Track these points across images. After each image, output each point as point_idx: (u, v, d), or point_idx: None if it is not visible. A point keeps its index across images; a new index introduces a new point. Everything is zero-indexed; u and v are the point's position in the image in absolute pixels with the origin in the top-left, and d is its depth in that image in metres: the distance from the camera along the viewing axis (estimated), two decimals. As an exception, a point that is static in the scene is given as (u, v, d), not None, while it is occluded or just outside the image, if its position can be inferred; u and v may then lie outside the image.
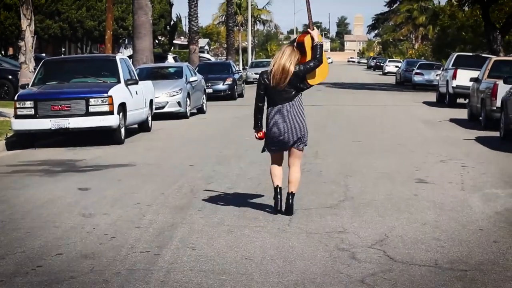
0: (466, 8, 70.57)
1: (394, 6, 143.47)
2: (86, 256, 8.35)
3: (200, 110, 30.28)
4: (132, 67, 22.06)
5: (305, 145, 10.24)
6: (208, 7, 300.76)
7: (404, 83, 56.71)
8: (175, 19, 62.65)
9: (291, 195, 10.19)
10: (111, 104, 18.78)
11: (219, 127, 24.18)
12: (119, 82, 20.05)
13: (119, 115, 19.11)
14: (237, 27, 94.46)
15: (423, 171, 14.21)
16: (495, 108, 21.80)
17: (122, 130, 19.45)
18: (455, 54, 35.90)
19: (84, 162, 16.23)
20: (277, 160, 10.32)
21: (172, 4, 61.14)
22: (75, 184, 13.20)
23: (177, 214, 10.52)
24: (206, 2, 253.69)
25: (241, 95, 41.28)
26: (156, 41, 60.52)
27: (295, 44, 10.17)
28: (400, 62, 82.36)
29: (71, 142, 19.62)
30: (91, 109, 18.66)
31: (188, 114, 27.81)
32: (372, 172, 14.09)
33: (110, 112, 18.77)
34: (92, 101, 18.69)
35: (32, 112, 18.55)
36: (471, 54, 38.34)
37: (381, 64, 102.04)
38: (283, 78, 9.89)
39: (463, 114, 27.46)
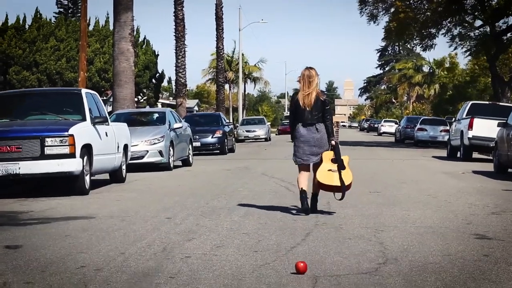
0: (468, 62, 67.91)
1: (387, 69, 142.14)
2: None
3: (186, 162, 26.48)
4: (102, 104, 18.36)
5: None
6: (198, 67, 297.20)
7: (404, 141, 53.19)
8: (160, 71, 58.81)
9: (314, 195, 11.76)
10: (72, 145, 15.13)
11: (208, 179, 20.22)
12: (84, 119, 16.42)
13: (82, 159, 15.48)
14: (228, 84, 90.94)
15: (476, 225, 10.63)
16: (534, 155, 18.30)
17: (87, 178, 15.78)
18: (470, 103, 32.18)
19: (29, 214, 12.52)
20: (304, 169, 11.77)
21: (158, 55, 57.55)
22: (3, 241, 9.53)
23: (137, 283, 6.89)
24: (196, 63, 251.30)
25: (232, 150, 37.47)
26: (141, 95, 56.93)
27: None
28: (396, 122, 79.14)
29: (28, 191, 16.05)
30: (47, 151, 14.99)
31: (172, 165, 23.95)
32: (410, 226, 10.49)
33: (71, 155, 15.12)
34: (48, 141, 15.01)
35: (-26, 154, 14.88)
36: (487, 102, 34.86)
37: (375, 126, 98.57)
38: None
39: (484, 167, 24.01)
